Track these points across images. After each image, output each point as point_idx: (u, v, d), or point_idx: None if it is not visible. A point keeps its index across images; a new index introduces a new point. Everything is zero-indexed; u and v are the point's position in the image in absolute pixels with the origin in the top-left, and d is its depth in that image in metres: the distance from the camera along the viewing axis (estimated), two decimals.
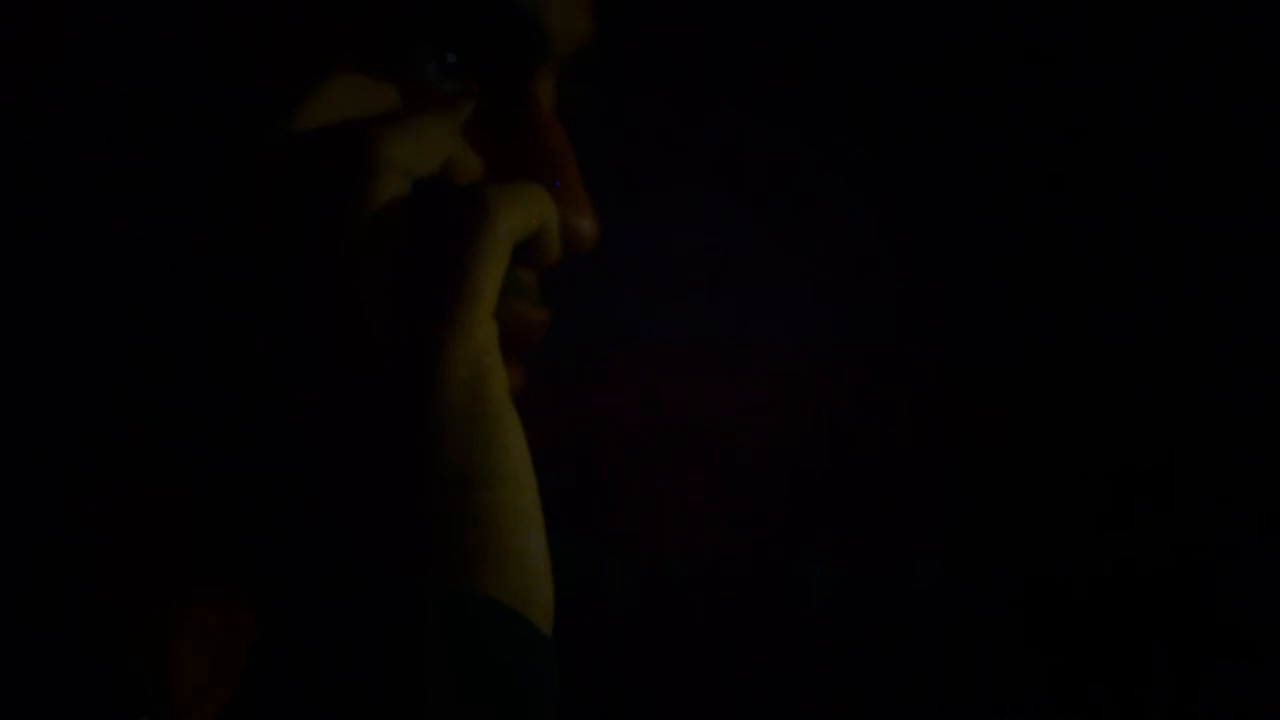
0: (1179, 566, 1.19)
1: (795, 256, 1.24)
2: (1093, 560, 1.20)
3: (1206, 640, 1.18)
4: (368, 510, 0.49)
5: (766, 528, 1.23)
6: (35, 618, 0.52)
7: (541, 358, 0.56)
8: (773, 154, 1.23)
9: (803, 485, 1.23)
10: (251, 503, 0.51)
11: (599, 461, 1.16)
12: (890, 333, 1.23)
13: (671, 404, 1.23)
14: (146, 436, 0.52)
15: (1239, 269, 1.19)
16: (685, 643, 1.21)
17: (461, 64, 0.53)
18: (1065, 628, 1.21)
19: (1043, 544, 1.21)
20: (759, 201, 1.23)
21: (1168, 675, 1.18)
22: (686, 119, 1.22)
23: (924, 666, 1.21)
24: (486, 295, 0.50)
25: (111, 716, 0.52)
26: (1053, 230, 1.22)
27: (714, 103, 1.22)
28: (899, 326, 1.23)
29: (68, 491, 0.53)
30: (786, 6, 1.22)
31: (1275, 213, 1.18)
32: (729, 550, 1.23)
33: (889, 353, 1.23)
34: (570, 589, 0.52)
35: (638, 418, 1.22)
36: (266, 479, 0.51)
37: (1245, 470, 1.18)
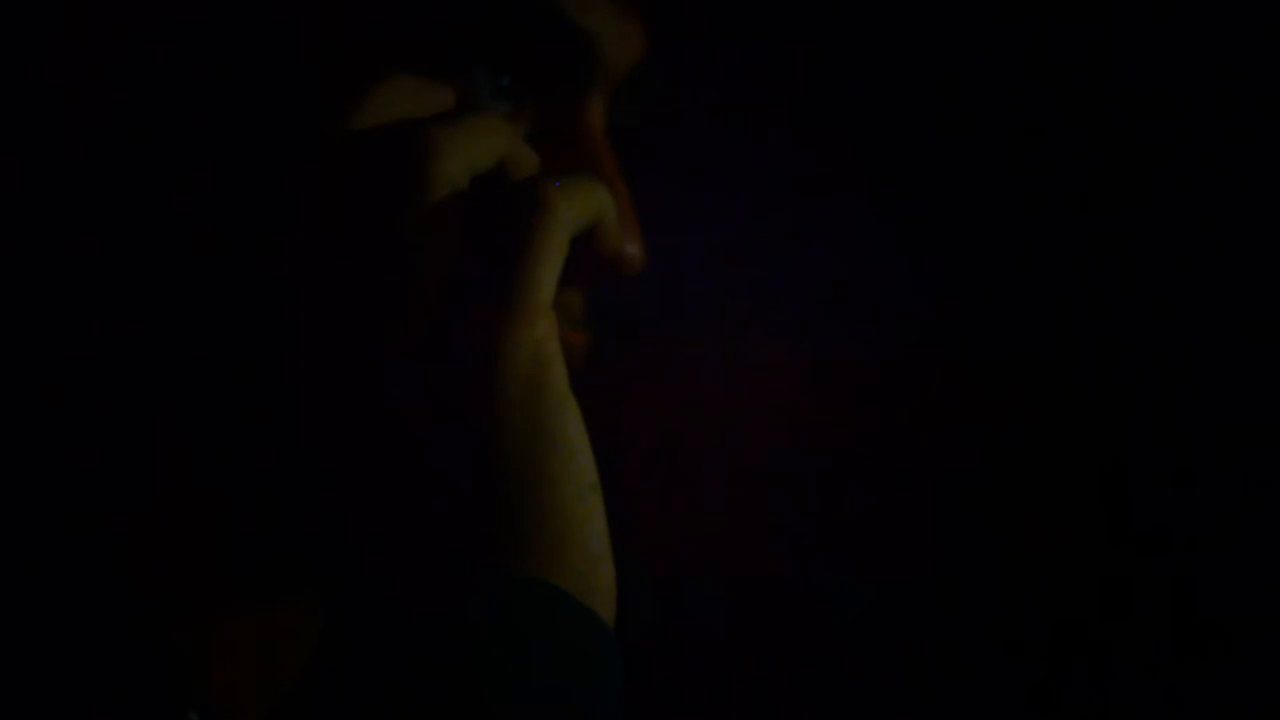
0: (1191, 570, 1.19)
1: (803, 255, 1.24)
2: (1104, 568, 1.20)
3: (1218, 648, 1.18)
4: (430, 501, 0.49)
5: (781, 535, 1.23)
6: (83, 615, 0.52)
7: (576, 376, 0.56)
8: (778, 152, 1.23)
9: (817, 492, 1.23)
10: (311, 499, 0.52)
11: (607, 465, 1.16)
12: (907, 336, 1.23)
13: (682, 407, 1.23)
14: (197, 435, 0.52)
15: (1258, 276, 1.19)
16: (700, 653, 1.21)
17: (515, 87, 0.54)
18: (1075, 634, 1.21)
19: (1055, 550, 1.21)
20: (768, 200, 1.23)
21: (1176, 681, 1.18)
22: (691, 118, 1.22)
23: (936, 675, 1.21)
24: (545, 285, 0.50)
25: (160, 711, 0.52)
26: (1064, 232, 1.22)
27: (715, 98, 1.22)
28: (915, 330, 1.23)
29: (113, 491, 0.53)
30: (797, 9, 1.22)
31: None
32: (743, 558, 1.23)
33: (904, 357, 1.23)
34: None
35: (648, 420, 1.22)
36: (326, 473, 0.51)
37: (1258, 477, 1.19)
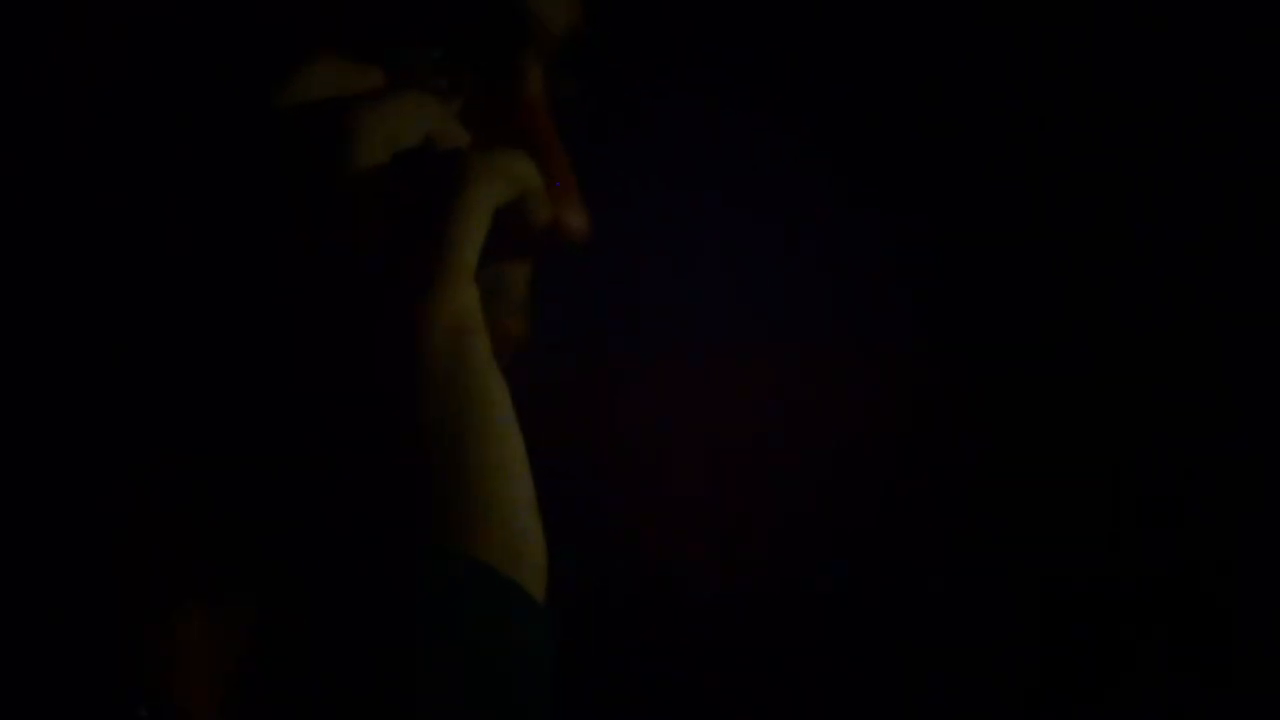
0: (1189, 571, 1.19)
1: (801, 255, 1.24)
2: (1101, 564, 1.20)
3: (1212, 646, 1.18)
4: (352, 474, 0.49)
5: (771, 529, 1.23)
6: (40, 609, 0.52)
7: (536, 361, 0.56)
8: (775, 150, 1.23)
9: (808, 486, 1.22)
10: (240, 477, 0.52)
11: (601, 462, 1.16)
12: (897, 332, 1.23)
13: (675, 404, 1.23)
14: (149, 428, 0.52)
15: (1258, 271, 1.18)
16: (688, 644, 1.21)
17: (450, 58, 0.54)
18: (1071, 631, 1.20)
19: (1051, 547, 1.21)
20: (765, 199, 1.23)
21: (1171, 680, 1.18)
22: (688, 115, 1.22)
23: (929, 668, 1.21)
24: (467, 256, 0.51)
25: (113, 707, 0.52)
26: (1063, 229, 1.22)
27: (716, 98, 1.22)
28: (906, 326, 1.23)
29: (72, 486, 0.53)
30: (791, 5, 1.22)
31: None
32: (733, 551, 1.22)
33: (895, 352, 1.23)
34: (572, 591, 0.51)
35: (641, 417, 1.21)
36: (254, 452, 0.51)
37: (1257, 476, 1.18)
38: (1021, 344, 1.23)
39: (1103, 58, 1.20)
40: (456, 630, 0.46)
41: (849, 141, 1.23)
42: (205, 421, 0.52)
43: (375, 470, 0.49)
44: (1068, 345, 1.22)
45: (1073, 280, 1.22)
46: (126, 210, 0.51)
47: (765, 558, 1.22)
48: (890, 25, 1.22)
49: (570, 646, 0.51)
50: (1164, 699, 1.18)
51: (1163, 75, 1.19)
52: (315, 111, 0.50)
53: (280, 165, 0.50)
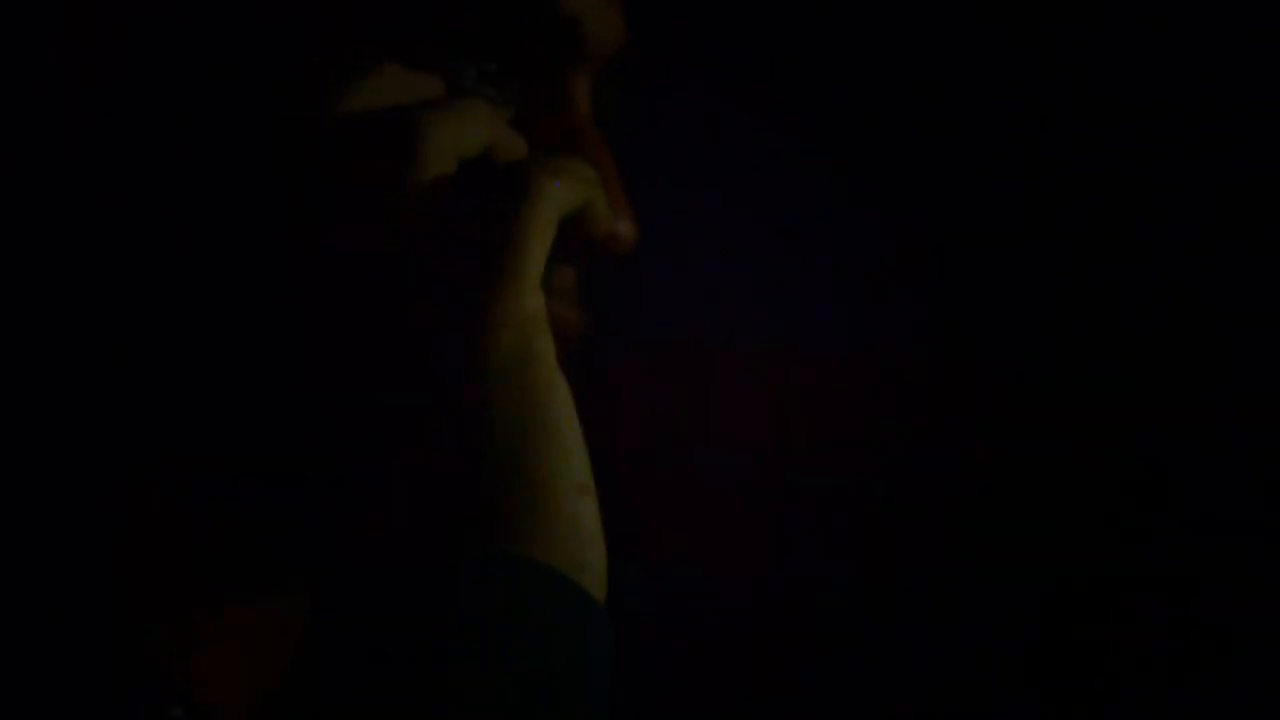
0: (1186, 572, 1.19)
1: (804, 256, 1.24)
2: (1101, 565, 1.20)
3: (1208, 646, 1.18)
4: (418, 479, 0.49)
5: (776, 532, 1.23)
6: (66, 611, 0.52)
7: (572, 361, 0.56)
8: (777, 151, 1.23)
9: (812, 489, 1.23)
10: (298, 486, 0.52)
11: (608, 465, 1.16)
12: (899, 334, 1.23)
13: (681, 406, 1.23)
14: (180, 426, 0.52)
15: (1253, 271, 1.19)
16: (697, 647, 1.21)
17: (501, 72, 0.54)
18: (1071, 632, 1.21)
19: (1051, 547, 1.21)
20: (767, 200, 1.23)
21: (1167, 681, 1.18)
22: (688, 115, 1.22)
23: (932, 670, 1.21)
24: (533, 264, 0.51)
25: (140, 707, 0.52)
26: (1064, 229, 1.22)
27: (716, 98, 1.22)
28: (908, 328, 1.23)
29: (98, 485, 0.53)
30: (793, 7, 1.22)
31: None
32: (739, 554, 1.23)
33: (897, 354, 1.23)
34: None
35: (647, 420, 1.22)
36: (314, 458, 0.52)
37: (1252, 476, 1.18)
38: (1022, 344, 1.23)
39: (1103, 58, 1.20)
40: (517, 633, 0.47)
41: (849, 141, 1.23)
42: (258, 422, 0.52)
43: (439, 475, 0.49)
44: (1069, 345, 1.23)
45: (1074, 280, 1.22)
46: (127, 210, 0.51)
47: (767, 558, 1.22)
48: (890, 25, 1.22)
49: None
50: (1164, 699, 1.18)
51: (1163, 75, 1.20)
52: (382, 119, 0.51)
53: (347, 173, 0.50)
